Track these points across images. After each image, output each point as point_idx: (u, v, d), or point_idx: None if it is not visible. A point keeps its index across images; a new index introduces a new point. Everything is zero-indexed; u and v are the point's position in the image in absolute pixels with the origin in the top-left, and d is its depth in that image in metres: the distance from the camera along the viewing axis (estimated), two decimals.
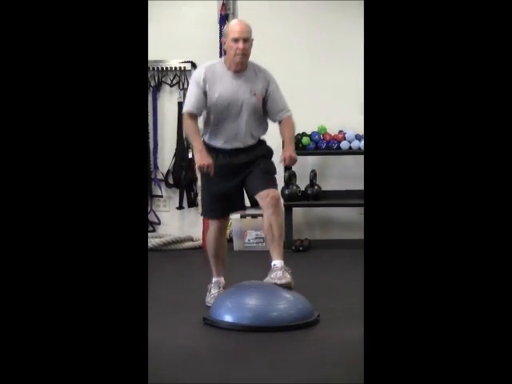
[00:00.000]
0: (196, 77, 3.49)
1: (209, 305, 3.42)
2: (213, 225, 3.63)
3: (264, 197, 3.44)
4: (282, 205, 4.21)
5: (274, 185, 3.54)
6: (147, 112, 5.17)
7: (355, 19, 5.28)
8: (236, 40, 3.38)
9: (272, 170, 3.57)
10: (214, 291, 3.64)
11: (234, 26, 3.52)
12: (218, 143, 3.36)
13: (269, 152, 3.65)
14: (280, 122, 3.60)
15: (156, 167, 5.22)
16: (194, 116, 3.39)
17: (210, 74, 3.38)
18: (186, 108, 3.50)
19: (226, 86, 3.31)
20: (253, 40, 3.51)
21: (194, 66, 5.48)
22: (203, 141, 3.45)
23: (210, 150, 3.35)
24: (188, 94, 3.60)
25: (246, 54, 3.39)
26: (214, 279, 3.71)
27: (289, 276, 3.35)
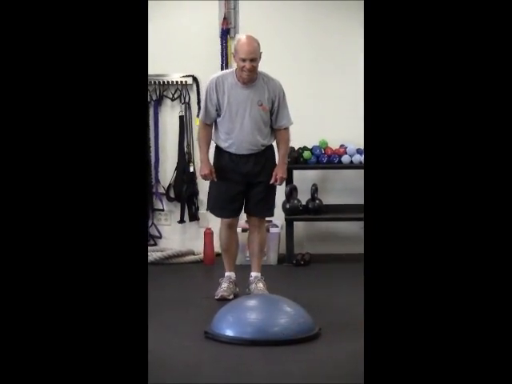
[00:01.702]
0: (208, 86, 3.70)
1: (217, 297, 3.66)
2: (223, 222, 3.80)
3: (252, 222, 3.97)
4: (264, 227, 4.38)
5: (266, 212, 3.96)
6: (148, 126, 5.21)
7: (358, 34, 5.17)
8: (243, 60, 3.59)
9: (269, 194, 3.91)
10: (224, 285, 3.82)
11: (242, 46, 3.69)
12: (228, 148, 3.56)
13: (273, 165, 3.89)
14: (278, 131, 3.85)
15: (157, 181, 5.19)
16: (207, 124, 3.66)
17: (221, 83, 3.58)
18: (200, 116, 3.83)
19: (234, 96, 3.52)
20: (261, 53, 3.71)
21: (195, 80, 5.52)
22: (216, 145, 3.62)
23: (222, 152, 3.61)
24: (202, 104, 3.92)
25: (252, 71, 3.60)
26: (225, 274, 3.91)
27: (261, 285, 3.78)
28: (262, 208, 3.98)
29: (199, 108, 5.20)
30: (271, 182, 3.90)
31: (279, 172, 3.91)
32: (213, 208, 3.82)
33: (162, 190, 5.21)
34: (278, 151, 4.04)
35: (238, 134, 3.60)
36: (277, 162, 3.98)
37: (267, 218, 4.29)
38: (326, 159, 5.38)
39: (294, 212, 5.22)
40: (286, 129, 4.00)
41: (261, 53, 3.77)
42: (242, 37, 3.94)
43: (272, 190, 4.01)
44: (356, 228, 5.52)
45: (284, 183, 4.54)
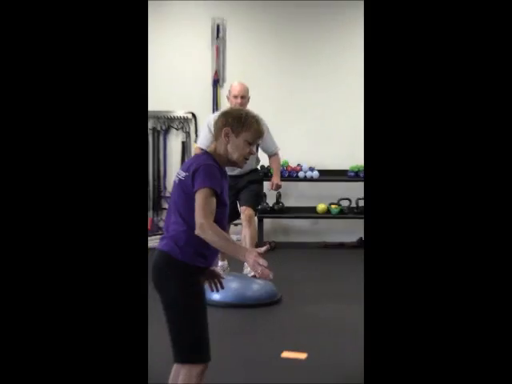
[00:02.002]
0: (207, 121, 4.36)
1: None
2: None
3: (242, 211, 4.56)
4: (255, 219, 5.12)
5: (251, 203, 4.57)
6: (147, 153, 6.12)
7: (312, 75, 6.88)
8: (235, 96, 4.37)
9: (254, 192, 4.61)
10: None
11: (235, 87, 4.48)
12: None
13: (257, 179, 4.77)
14: (270, 157, 4.68)
15: (165, 187, 6.41)
16: (201, 148, 4.05)
17: None
18: (198, 142, 4.50)
19: None
20: (249, 98, 4.47)
21: (193, 115, 6.68)
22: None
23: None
24: (202, 133, 4.59)
25: (242, 106, 4.23)
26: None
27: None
28: (247, 199, 4.67)
29: (196, 136, 6.29)
30: (270, 188, 4.81)
31: (275, 180, 4.68)
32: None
33: (168, 194, 6.27)
34: (272, 168, 4.91)
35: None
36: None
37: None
38: (287, 174, 6.43)
39: (264, 212, 6.28)
40: (276, 154, 4.73)
41: (249, 97, 4.50)
42: (234, 82, 4.69)
43: (255, 188, 4.71)
44: (308, 224, 6.80)
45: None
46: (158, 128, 6.62)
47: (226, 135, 2.26)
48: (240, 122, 2.30)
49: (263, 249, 2.13)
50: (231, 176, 3.86)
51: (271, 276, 2.11)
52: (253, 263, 2.10)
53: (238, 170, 4.16)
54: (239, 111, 2.45)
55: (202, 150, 3.77)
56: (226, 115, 2.35)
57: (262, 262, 2.07)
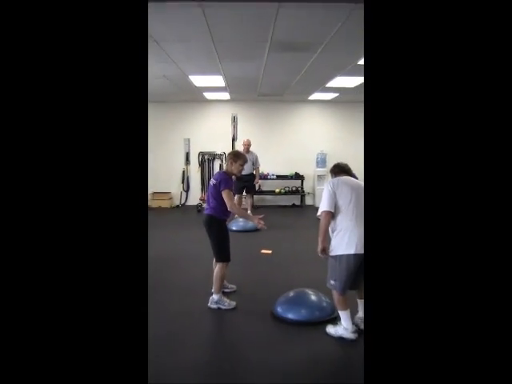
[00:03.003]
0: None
1: None
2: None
3: (247, 194, 10.26)
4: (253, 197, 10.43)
5: (251, 189, 10.20)
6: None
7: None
8: (244, 145, 10.29)
9: (252, 185, 10.13)
10: None
11: (244, 141, 10.37)
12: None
13: (252, 178, 10.11)
14: (255, 169, 10.28)
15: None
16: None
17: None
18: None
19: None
20: (250, 144, 10.37)
21: (224, 153, 12.42)
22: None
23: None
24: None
25: (247, 148, 10.11)
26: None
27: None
28: (249, 191, 10.02)
29: (222, 163, 12.81)
30: (254, 183, 10.01)
31: (256, 180, 10.21)
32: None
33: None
34: (255, 173, 10.13)
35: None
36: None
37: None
38: (263, 176, 12.10)
39: (255, 192, 11.06)
40: (258, 167, 10.25)
41: (250, 144, 10.23)
42: (244, 139, 10.62)
43: (252, 183, 9.93)
44: (271, 197, 12.97)
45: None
46: (210, 158, 12.84)
47: (231, 163, 4.63)
48: (237, 157, 4.67)
49: (260, 216, 4.39)
50: (242, 175, 5.69)
51: (265, 227, 4.43)
52: (257, 222, 4.45)
53: (244, 172, 6.73)
54: (237, 152, 4.77)
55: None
56: (231, 154, 4.71)
57: (262, 222, 4.34)
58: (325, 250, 4.18)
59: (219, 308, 4.96)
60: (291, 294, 4.95)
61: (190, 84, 8.96)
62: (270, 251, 7.48)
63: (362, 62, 6.63)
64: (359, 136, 12.60)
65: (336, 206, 4.12)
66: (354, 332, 4.25)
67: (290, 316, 4.74)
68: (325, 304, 4.83)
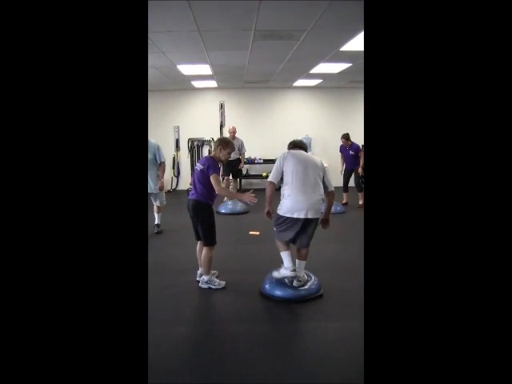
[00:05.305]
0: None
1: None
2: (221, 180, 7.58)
3: (233, 177, 11.07)
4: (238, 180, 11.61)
5: (237, 177, 11.23)
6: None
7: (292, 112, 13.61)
8: (229, 132, 10.79)
9: (238, 172, 11.03)
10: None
11: (230, 128, 10.81)
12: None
13: (238, 163, 10.90)
14: (241, 154, 11.00)
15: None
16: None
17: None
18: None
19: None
20: (236, 131, 10.83)
21: (212, 139, 12.67)
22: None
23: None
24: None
25: (232, 135, 10.67)
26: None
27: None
28: (236, 174, 10.94)
29: (211, 148, 12.98)
30: (239, 167, 10.83)
31: (241, 164, 10.87)
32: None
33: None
34: (241, 158, 10.82)
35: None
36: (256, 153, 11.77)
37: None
38: (251, 161, 12.61)
39: (242, 176, 12.31)
40: (244, 153, 11.05)
41: (236, 131, 10.80)
42: (230, 126, 11.10)
43: (239, 169, 10.89)
44: (259, 181, 12.93)
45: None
46: (199, 144, 13.19)
47: (220, 149, 4.66)
48: (226, 145, 4.72)
49: (250, 191, 4.40)
50: (229, 161, 6.99)
51: (255, 201, 4.30)
52: (247, 198, 4.37)
53: (231, 158, 6.98)
54: (227, 140, 4.79)
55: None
56: (219, 140, 4.74)
57: (252, 195, 4.34)
58: (269, 214, 4.71)
59: (210, 288, 5.09)
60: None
61: (179, 73, 9.14)
62: (258, 232, 7.65)
63: (343, 48, 6.87)
64: (343, 120, 13.00)
65: (284, 176, 4.57)
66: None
67: (278, 293, 4.85)
68: (311, 281, 4.95)
